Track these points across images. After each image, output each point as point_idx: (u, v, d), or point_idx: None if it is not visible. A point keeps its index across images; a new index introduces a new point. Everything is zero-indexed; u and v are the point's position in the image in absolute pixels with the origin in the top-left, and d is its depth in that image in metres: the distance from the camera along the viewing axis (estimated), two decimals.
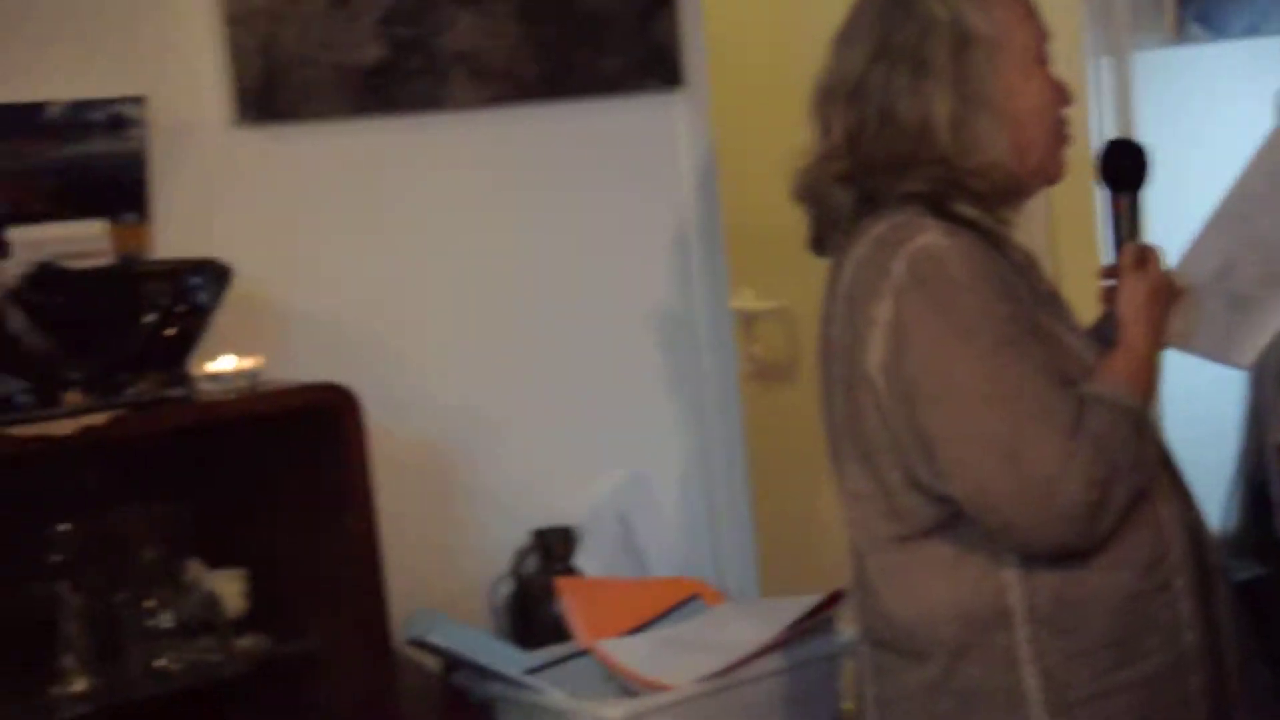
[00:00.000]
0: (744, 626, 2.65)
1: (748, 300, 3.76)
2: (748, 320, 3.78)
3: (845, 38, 2.19)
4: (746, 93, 3.70)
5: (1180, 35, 3.28)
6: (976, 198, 2.09)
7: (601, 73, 2.91)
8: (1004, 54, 2.12)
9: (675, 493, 3.01)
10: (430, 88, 2.75)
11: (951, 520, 2.05)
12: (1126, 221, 2.23)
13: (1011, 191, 2.13)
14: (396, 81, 2.72)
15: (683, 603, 2.79)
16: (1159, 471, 2.10)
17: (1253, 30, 3.35)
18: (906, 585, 2.09)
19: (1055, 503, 1.96)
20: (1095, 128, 3.23)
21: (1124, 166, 2.25)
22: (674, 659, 2.58)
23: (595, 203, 2.93)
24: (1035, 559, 2.02)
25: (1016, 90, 2.12)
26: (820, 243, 2.21)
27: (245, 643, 2.32)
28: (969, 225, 2.08)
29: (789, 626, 2.58)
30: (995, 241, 2.10)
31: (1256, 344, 2.22)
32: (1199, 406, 3.23)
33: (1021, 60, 2.13)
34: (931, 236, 2.03)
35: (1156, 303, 2.14)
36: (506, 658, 2.57)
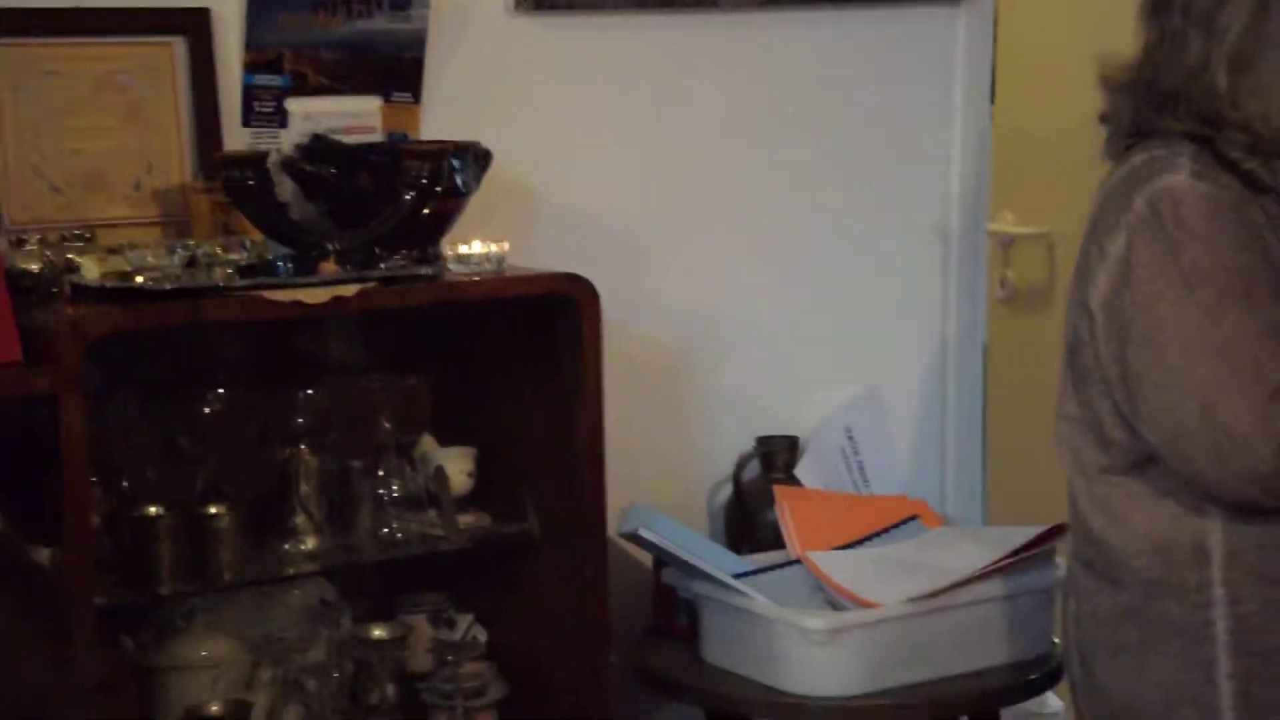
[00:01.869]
0: (959, 551, 2.65)
1: (1007, 223, 3.73)
2: (1005, 244, 3.75)
3: None
4: (1031, 19, 3.64)
5: None
6: (1244, 145, 2.03)
7: None
8: None
9: (907, 412, 3.03)
10: None
11: (1154, 458, 2.06)
12: None
13: None
14: None
15: (901, 522, 2.79)
16: None
17: None
18: (1110, 512, 2.12)
19: (1243, 461, 1.96)
20: None
21: None
22: (884, 577, 2.60)
23: (864, 113, 2.94)
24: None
25: None
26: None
27: (467, 519, 2.42)
28: (1233, 169, 2.03)
29: (1005, 555, 2.58)
30: (1261, 189, 2.04)
31: None
32: None
33: None
34: (1179, 178, 2.01)
35: None
36: (717, 559, 2.62)
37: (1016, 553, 2.59)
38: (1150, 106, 2.08)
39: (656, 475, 2.77)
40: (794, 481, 2.82)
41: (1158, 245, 2.00)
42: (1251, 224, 2.02)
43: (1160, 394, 2.00)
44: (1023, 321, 3.76)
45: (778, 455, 2.83)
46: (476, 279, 2.35)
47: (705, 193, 2.82)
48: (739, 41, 2.83)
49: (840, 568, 2.62)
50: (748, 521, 2.80)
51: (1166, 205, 2.00)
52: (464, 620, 2.50)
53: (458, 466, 2.44)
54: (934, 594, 2.54)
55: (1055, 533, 2.57)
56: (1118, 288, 2.03)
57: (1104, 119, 2.16)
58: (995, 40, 3.67)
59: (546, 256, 2.51)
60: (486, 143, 2.45)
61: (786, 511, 2.73)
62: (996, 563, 2.58)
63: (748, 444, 2.84)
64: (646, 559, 2.66)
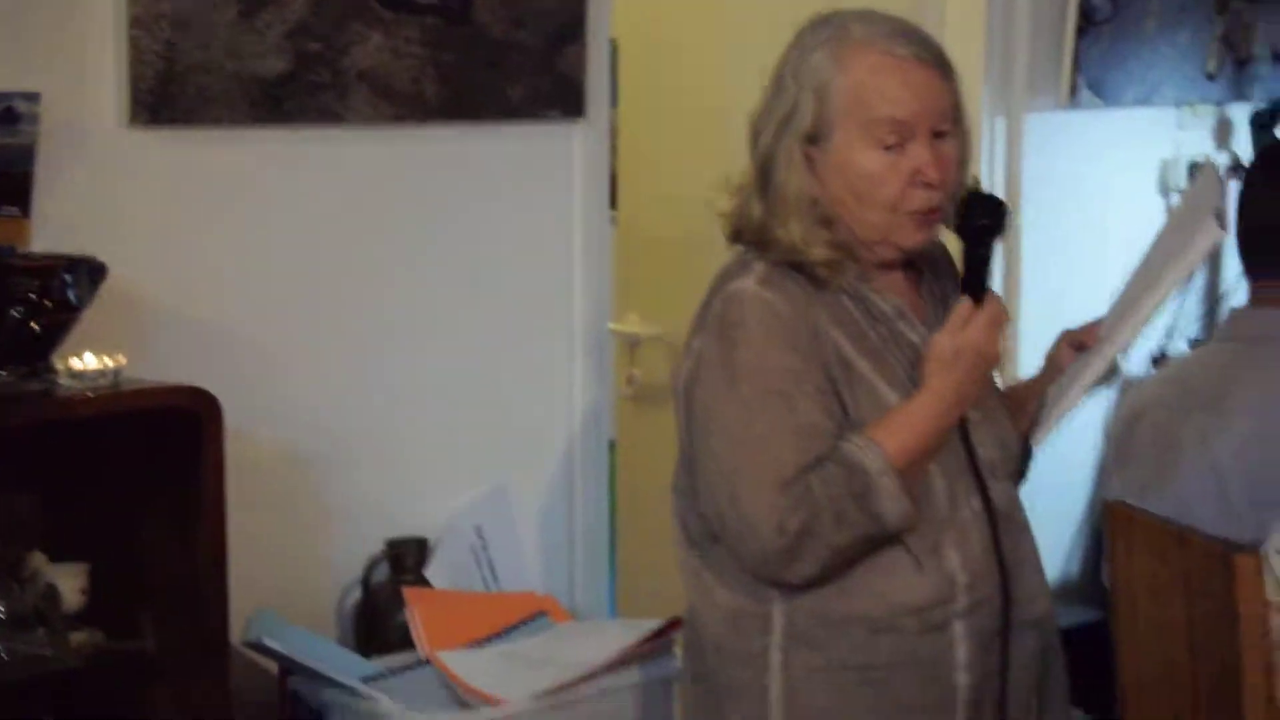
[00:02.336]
0: (585, 646, 2.74)
1: (633, 324, 3.85)
2: (632, 343, 3.87)
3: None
4: (652, 126, 3.79)
5: (1073, 101, 3.37)
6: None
7: (506, 100, 2.99)
8: (831, 135, 2.19)
9: (535, 510, 3.10)
10: (331, 102, 2.81)
11: None
12: (978, 274, 2.22)
13: (836, 260, 2.22)
14: (297, 94, 2.78)
15: (530, 619, 2.87)
16: (960, 522, 2.21)
17: (1143, 101, 3.45)
18: (699, 582, 2.30)
19: (754, 542, 2.14)
20: (986, 184, 3.32)
21: (979, 224, 2.24)
22: (511, 674, 2.67)
23: (489, 223, 3.02)
24: None
25: (842, 169, 2.19)
26: None
27: (79, 637, 2.38)
28: (807, 272, 2.22)
29: (627, 648, 2.68)
30: (838, 290, 2.21)
31: (1048, 426, 2.30)
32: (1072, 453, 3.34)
33: (852, 141, 2.19)
34: (747, 283, 2.21)
35: (958, 365, 2.18)
36: (345, 664, 2.65)
37: (636, 646, 2.68)
38: (753, 230, 2.26)
39: (285, 582, 2.78)
40: (424, 582, 2.87)
41: (719, 343, 2.20)
42: (814, 327, 2.19)
43: (706, 478, 2.20)
44: (650, 417, 3.89)
45: (407, 557, 2.88)
46: (90, 394, 2.34)
47: (331, 302, 2.87)
48: (367, 156, 2.89)
49: (468, 666, 2.68)
50: (378, 625, 2.84)
51: (733, 307, 2.20)
52: None
53: (70, 584, 2.41)
54: (559, 688, 2.62)
55: (676, 624, 2.67)
56: (692, 378, 2.23)
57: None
58: (616, 152, 3.82)
59: (167, 367, 2.52)
60: (103, 256, 2.45)
61: (415, 613, 2.78)
62: (620, 655, 2.67)
63: (377, 547, 2.88)
64: (274, 667, 2.67)
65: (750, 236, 2.26)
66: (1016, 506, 2.31)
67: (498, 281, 3.04)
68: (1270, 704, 2.04)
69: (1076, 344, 2.40)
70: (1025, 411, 2.38)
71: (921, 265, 2.33)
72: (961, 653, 2.21)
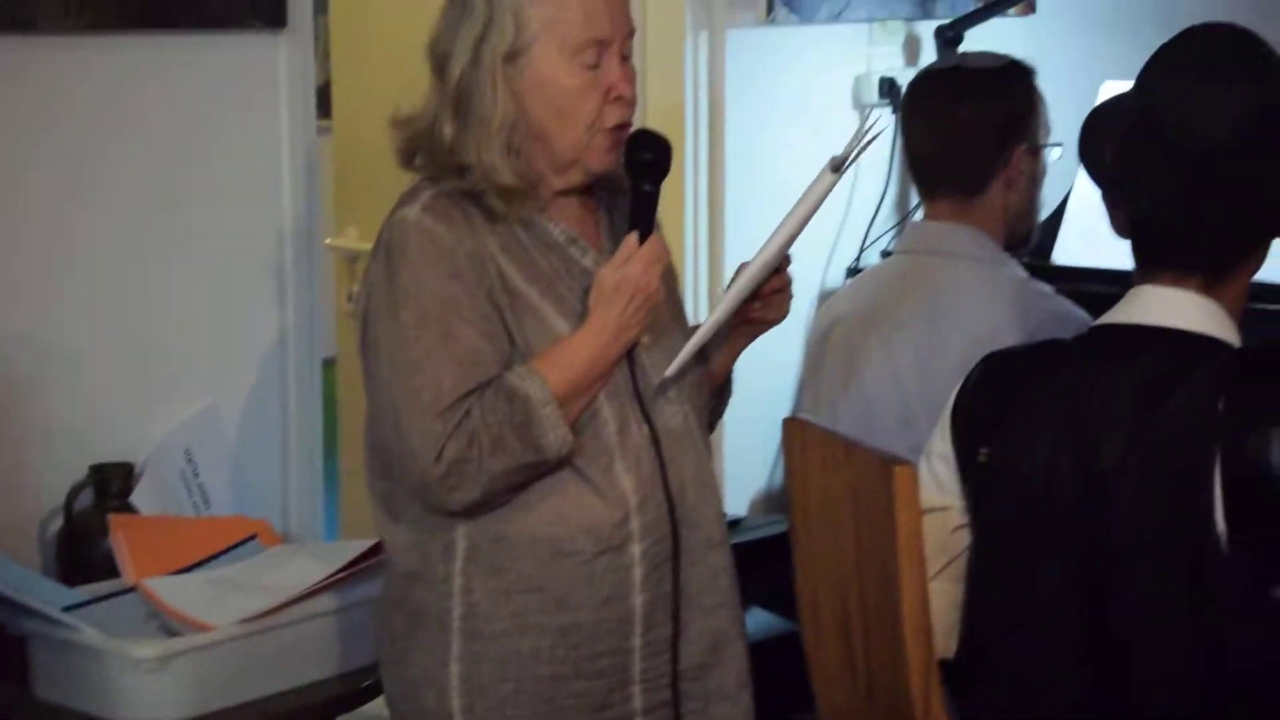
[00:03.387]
0: (295, 569, 2.71)
1: (352, 239, 3.81)
2: (351, 259, 3.83)
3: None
4: (366, 31, 3.73)
5: (771, 17, 3.42)
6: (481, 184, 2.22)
7: (203, 9, 2.91)
8: (529, 52, 2.20)
9: (248, 431, 3.05)
10: (20, 8, 2.70)
11: None
12: (643, 211, 2.26)
13: (520, 186, 2.23)
14: None
15: (240, 543, 2.83)
16: (632, 448, 2.25)
17: (837, 17, 3.52)
18: (389, 510, 2.31)
19: (415, 469, 2.17)
20: (690, 100, 3.35)
21: (642, 159, 2.27)
22: (219, 599, 2.63)
23: (192, 136, 2.95)
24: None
25: (539, 87, 2.21)
26: None
27: None
28: (476, 200, 2.23)
29: (337, 570, 2.66)
30: (506, 218, 2.23)
31: (681, 359, 2.30)
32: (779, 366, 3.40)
33: (552, 58, 2.21)
34: (412, 209, 2.23)
35: (620, 297, 2.22)
36: (46, 592, 2.59)
37: (347, 566, 2.67)
38: (426, 151, 2.27)
39: None
40: (130, 509, 2.81)
41: (383, 269, 2.22)
42: (475, 254, 2.20)
43: (374, 405, 2.23)
44: None
45: (112, 482, 2.81)
46: None
47: (23, 218, 2.77)
48: (59, 65, 2.78)
49: (175, 592, 2.64)
50: (82, 553, 2.77)
51: (396, 234, 2.22)
52: None
53: None
54: (267, 612, 2.59)
55: (379, 547, 2.66)
56: (365, 305, 2.24)
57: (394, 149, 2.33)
58: (330, 62, 3.77)
59: None
60: None
61: (120, 539, 2.72)
62: (329, 578, 2.66)
63: (81, 473, 2.82)
64: None
65: (430, 163, 2.24)
66: (690, 430, 2.33)
67: (202, 197, 2.97)
68: (925, 606, 2.12)
69: None
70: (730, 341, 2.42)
71: (601, 194, 2.35)
72: (637, 574, 2.26)
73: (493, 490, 2.18)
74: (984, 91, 2.98)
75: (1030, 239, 3.10)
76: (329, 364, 3.50)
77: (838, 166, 2.26)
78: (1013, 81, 3.02)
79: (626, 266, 2.23)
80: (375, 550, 2.67)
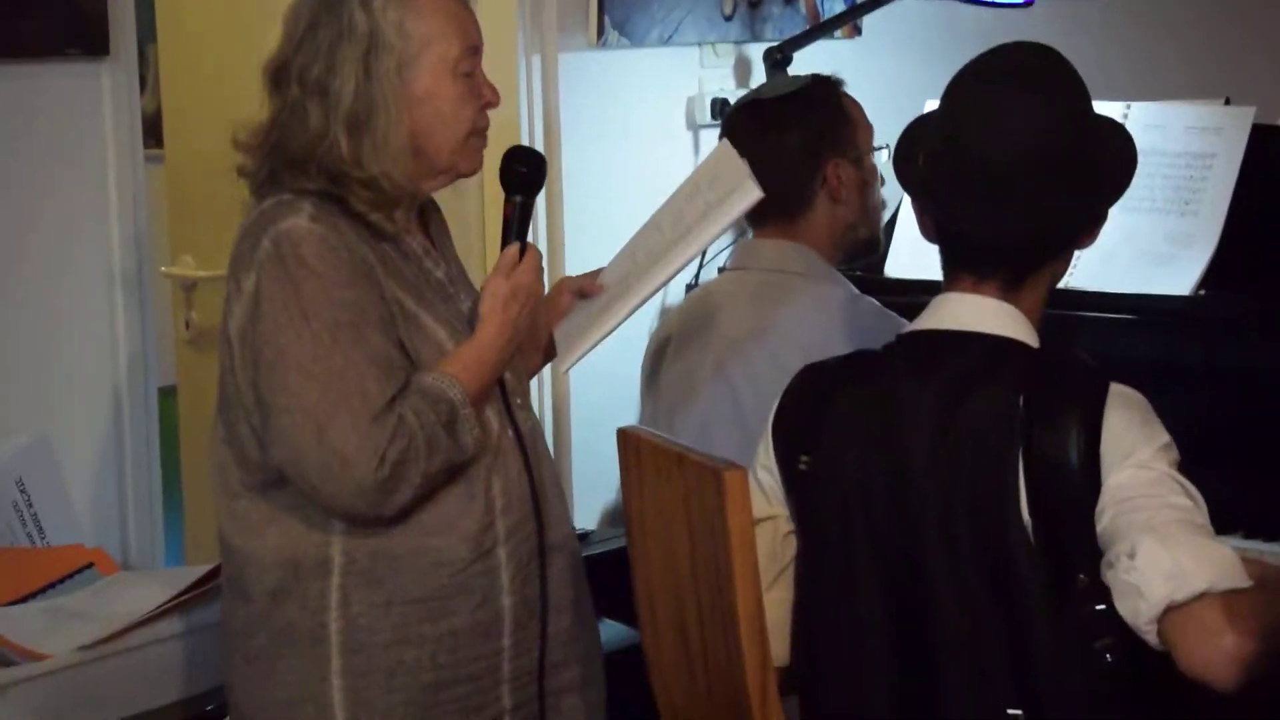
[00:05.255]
0: (134, 595, 2.71)
1: (188, 267, 3.78)
2: (187, 287, 3.80)
3: (286, 17, 2.31)
4: (196, 57, 3.72)
5: (601, 41, 3.46)
6: (368, 201, 2.26)
7: (18, 37, 2.87)
8: (416, 65, 2.26)
9: (82, 460, 3.02)
10: None
11: (286, 478, 2.24)
12: (516, 223, 2.39)
13: (404, 196, 2.30)
14: None
15: (76, 572, 2.81)
16: (503, 451, 2.31)
17: (667, 40, 3.56)
18: (248, 529, 2.29)
19: (349, 476, 2.17)
20: (525, 122, 3.38)
21: (518, 172, 2.41)
22: (56, 628, 2.61)
23: (7, 169, 2.91)
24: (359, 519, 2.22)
25: (427, 98, 2.27)
26: None
27: None
28: (359, 219, 2.26)
29: (176, 595, 2.65)
30: (378, 233, 2.28)
31: (576, 352, 2.44)
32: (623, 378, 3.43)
33: (437, 70, 2.27)
34: (298, 220, 2.22)
35: (514, 304, 2.31)
36: None
37: (187, 590, 2.66)
38: (282, 168, 2.28)
39: None
40: None
41: (279, 280, 2.20)
42: (366, 262, 2.24)
43: (283, 417, 2.19)
44: (211, 361, 3.80)
45: None
46: None
47: None
48: None
49: (10, 622, 2.61)
50: None
51: (287, 244, 2.20)
52: None
53: None
54: (105, 639, 2.58)
55: (218, 571, 2.66)
56: (251, 319, 2.21)
57: (241, 173, 2.35)
58: (159, 90, 3.74)
59: None
60: None
61: None
62: (168, 602, 2.64)
63: None
64: None
65: (300, 179, 2.25)
66: (540, 433, 2.43)
67: (24, 229, 2.93)
68: (759, 606, 2.15)
69: (577, 290, 2.55)
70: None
71: (427, 208, 2.42)
72: (504, 576, 2.30)
73: (421, 493, 2.22)
74: (781, 119, 2.99)
75: (876, 243, 3.12)
76: (168, 392, 3.48)
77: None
78: (813, 101, 3.03)
79: (517, 274, 2.32)
80: (215, 574, 2.65)
